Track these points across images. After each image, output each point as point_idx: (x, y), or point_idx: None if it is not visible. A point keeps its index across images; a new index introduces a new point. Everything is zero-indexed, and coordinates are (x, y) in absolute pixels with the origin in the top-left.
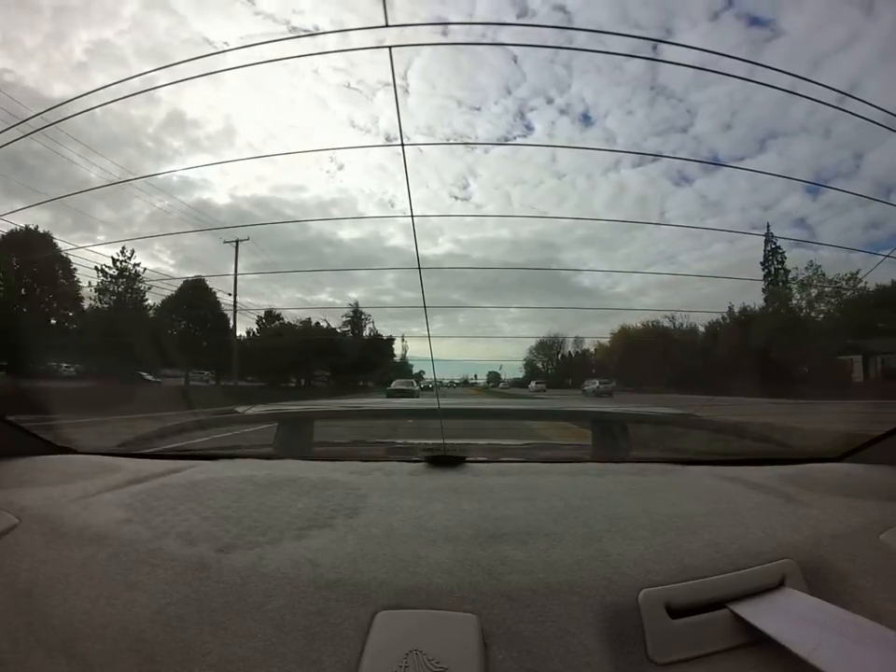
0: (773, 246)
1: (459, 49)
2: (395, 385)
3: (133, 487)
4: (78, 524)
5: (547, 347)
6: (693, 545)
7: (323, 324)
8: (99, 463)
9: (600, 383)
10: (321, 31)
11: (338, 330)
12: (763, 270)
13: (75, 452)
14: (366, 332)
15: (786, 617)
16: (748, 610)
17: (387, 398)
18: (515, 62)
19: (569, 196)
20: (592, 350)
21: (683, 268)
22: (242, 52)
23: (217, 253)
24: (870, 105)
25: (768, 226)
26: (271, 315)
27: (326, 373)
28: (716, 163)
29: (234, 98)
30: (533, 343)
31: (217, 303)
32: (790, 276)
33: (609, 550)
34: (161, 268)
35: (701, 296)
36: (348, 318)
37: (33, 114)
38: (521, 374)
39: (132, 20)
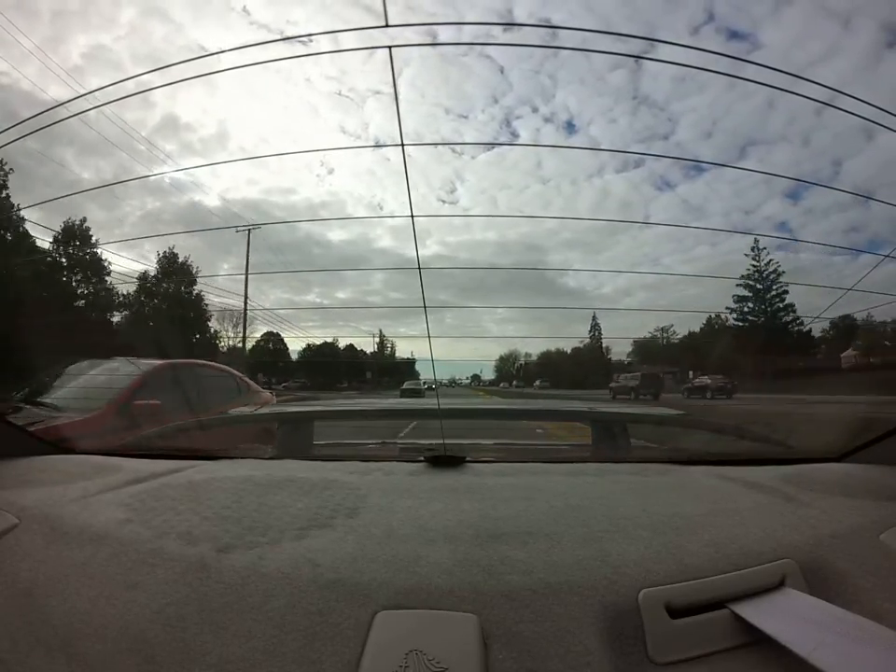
0: (595, 322)
1: (447, 60)
2: (406, 385)
3: (132, 487)
4: (78, 524)
5: (505, 360)
6: (693, 545)
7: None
8: (99, 463)
9: (516, 382)
10: (318, 31)
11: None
12: (590, 332)
13: (75, 452)
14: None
15: (786, 617)
16: (748, 610)
17: (400, 396)
18: (502, 72)
19: (554, 200)
20: (527, 363)
21: (667, 271)
22: (237, 58)
23: (204, 253)
24: (860, 100)
25: (594, 315)
26: (364, 352)
27: (386, 379)
28: (711, 163)
29: (228, 104)
30: (503, 352)
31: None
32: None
33: (609, 550)
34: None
35: (686, 297)
36: (378, 342)
37: (29, 115)
38: (493, 376)
39: (129, 26)
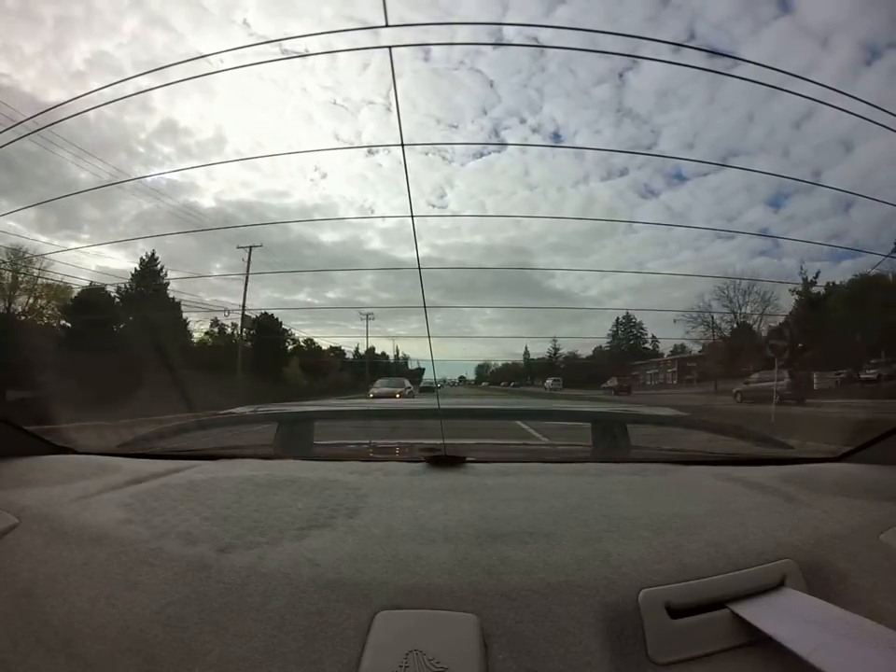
0: (526, 348)
1: (439, 73)
2: (422, 384)
3: (132, 487)
4: (78, 524)
5: (480, 367)
6: (693, 545)
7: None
8: (99, 463)
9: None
10: (318, 32)
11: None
12: (524, 354)
13: (75, 452)
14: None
15: (786, 617)
16: (748, 610)
17: (420, 391)
18: (491, 85)
19: (541, 206)
20: (496, 368)
21: (651, 274)
22: (236, 61)
23: (199, 254)
24: (852, 99)
25: (526, 347)
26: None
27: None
28: (697, 160)
29: (226, 112)
30: (481, 361)
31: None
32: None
33: (609, 550)
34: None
35: (670, 300)
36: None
37: (27, 117)
38: (474, 377)
39: (131, 34)
